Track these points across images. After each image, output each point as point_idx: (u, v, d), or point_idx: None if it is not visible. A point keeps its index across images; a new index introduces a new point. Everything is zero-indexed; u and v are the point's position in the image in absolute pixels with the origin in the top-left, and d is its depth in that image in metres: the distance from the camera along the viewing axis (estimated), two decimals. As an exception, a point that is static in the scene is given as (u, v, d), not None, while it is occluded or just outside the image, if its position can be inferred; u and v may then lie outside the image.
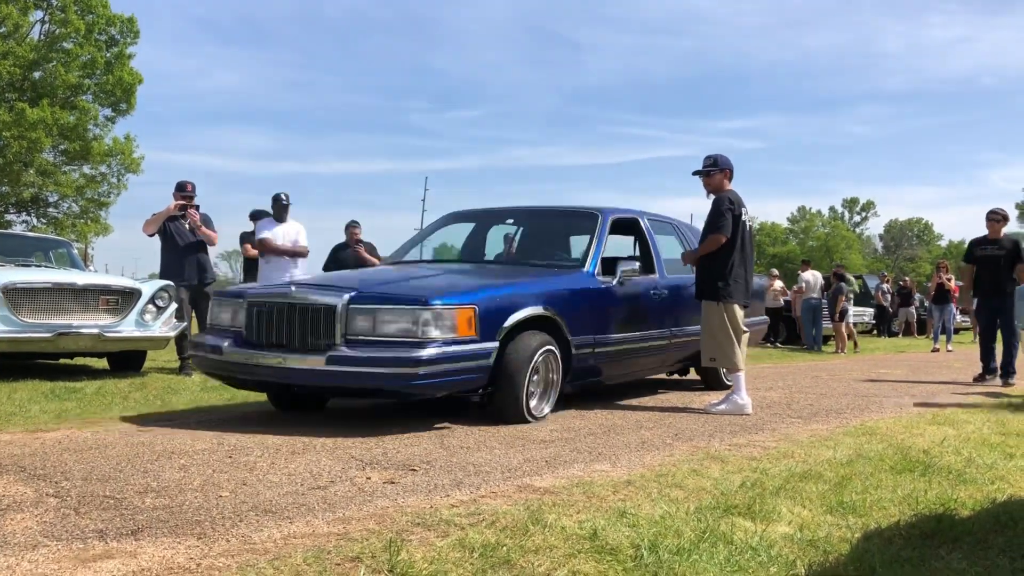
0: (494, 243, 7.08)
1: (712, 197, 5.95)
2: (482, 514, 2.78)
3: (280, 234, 8.30)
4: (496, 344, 4.80)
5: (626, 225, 6.68)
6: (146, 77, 28.28)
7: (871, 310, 21.76)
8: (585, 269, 5.87)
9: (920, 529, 2.73)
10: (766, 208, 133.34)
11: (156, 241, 7.99)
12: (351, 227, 10.00)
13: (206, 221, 8.02)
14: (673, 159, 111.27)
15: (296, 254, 8.32)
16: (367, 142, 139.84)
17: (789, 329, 17.10)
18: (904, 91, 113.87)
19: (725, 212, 5.78)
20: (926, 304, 19.67)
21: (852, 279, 16.62)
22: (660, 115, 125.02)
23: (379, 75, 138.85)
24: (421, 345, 4.49)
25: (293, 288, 4.92)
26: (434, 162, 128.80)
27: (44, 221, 28.35)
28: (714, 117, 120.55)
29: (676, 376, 8.75)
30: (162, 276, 7.99)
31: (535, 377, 5.05)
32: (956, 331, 18.19)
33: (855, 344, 16.00)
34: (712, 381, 7.33)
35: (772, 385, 8.00)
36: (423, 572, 2.22)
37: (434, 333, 4.54)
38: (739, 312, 5.83)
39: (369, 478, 3.40)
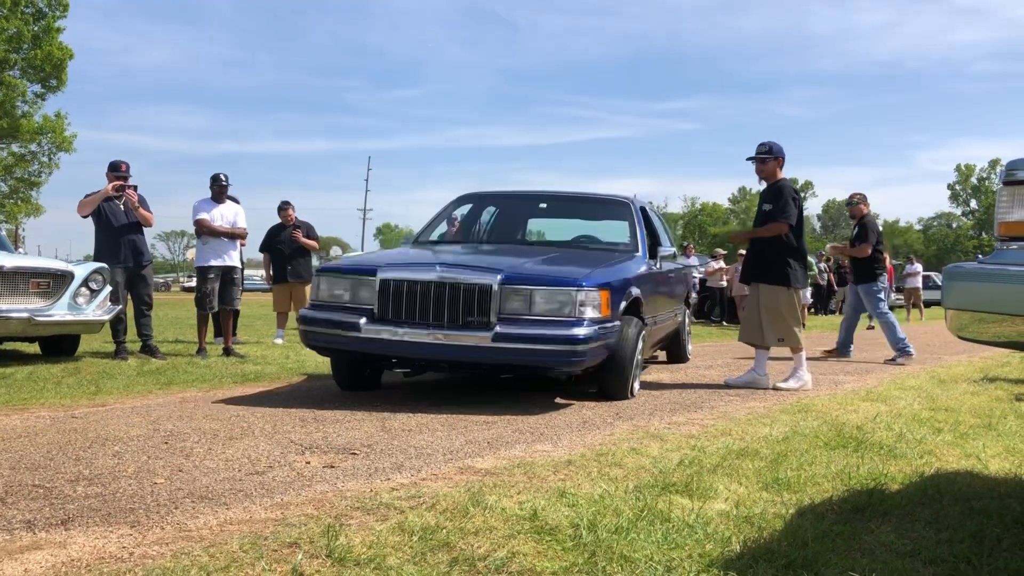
0: (514, 227, 7.07)
1: (764, 184, 6.40)
2: (422, 497, 2.77)
3: (218, 215, 8.15)
4: (619, 323, 5.05)
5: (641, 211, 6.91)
6: (76, 53, 27.44)
7: (809, 288, 22.25)
8: (639, 254, 6.13)
9: (852, 504, 2.81)
10: (707, 188, 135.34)
11: (91, 222, 7.76)
12: (284, 208, 9.90)
13: (142, 201, 7.81)
14: (611, 140, 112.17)
15: (234, 236, 8.17)
16: (304, 121, 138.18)
17: (730, 309, 17.36)
18: (835, 74, 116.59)
19: (791, 200, 6.20)
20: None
21: (811, 261, 17.05)
22: (597, 96, 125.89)
23: (315, 53, 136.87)
24: (577, 323, 4.68)
25: (439, 268, 4.90)
26: (373, 141, 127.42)
27: (-29, 201, 27.41)
28: (651, 98, 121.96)
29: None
30: (97, 258, 7.76)
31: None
32: (891, 308, 18.66)
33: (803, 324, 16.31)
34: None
35: (711, 363, 8.13)
36: (362, 556, 2.20)
37: (588, 313, 4.74)
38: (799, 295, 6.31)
39: (308, 462, 3.36)
